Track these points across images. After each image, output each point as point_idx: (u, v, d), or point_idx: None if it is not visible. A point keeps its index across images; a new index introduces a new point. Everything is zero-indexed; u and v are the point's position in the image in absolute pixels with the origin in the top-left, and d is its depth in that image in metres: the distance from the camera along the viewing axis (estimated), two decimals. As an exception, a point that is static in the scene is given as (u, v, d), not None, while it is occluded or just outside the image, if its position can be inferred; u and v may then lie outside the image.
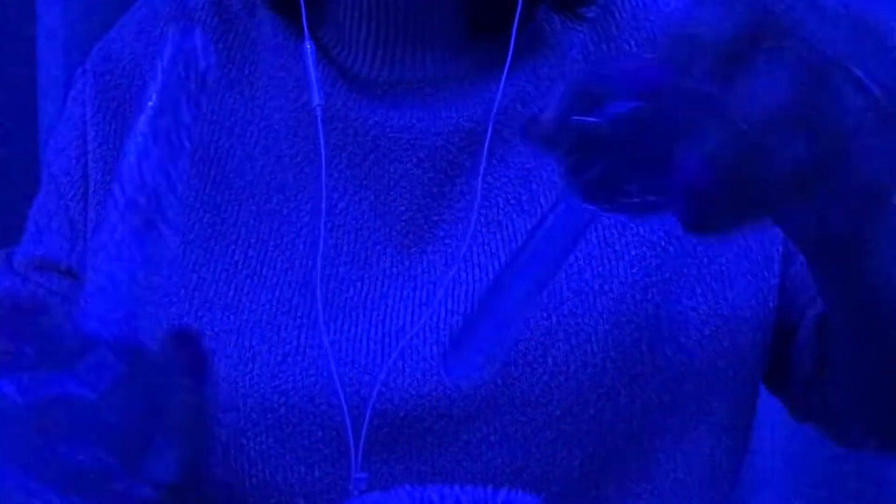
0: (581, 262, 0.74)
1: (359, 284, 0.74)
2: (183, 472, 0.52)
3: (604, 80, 0.49)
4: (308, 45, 0.75)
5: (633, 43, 0.79)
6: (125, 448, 0.50)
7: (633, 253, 0.74)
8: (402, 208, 0.76)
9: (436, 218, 0.76)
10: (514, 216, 0.76)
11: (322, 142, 0.74)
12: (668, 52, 0.47)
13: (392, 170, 0.76)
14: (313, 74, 0.74)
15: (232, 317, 0.73)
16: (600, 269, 0.73)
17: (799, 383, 0.80)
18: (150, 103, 0.53)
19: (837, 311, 0.68)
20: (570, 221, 0.53)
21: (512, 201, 0.76)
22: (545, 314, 0.72)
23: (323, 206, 0.74)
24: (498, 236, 0.75)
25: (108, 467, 0.49)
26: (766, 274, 0.77)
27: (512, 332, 0.55)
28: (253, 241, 0.76)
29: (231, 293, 0.74)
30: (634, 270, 0.74)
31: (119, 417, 0.50)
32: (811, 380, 0.79)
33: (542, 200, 0.76)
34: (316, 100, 0.75)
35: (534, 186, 0.76)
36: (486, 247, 0.75)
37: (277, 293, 0.74)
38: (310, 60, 0.75)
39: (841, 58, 0.47)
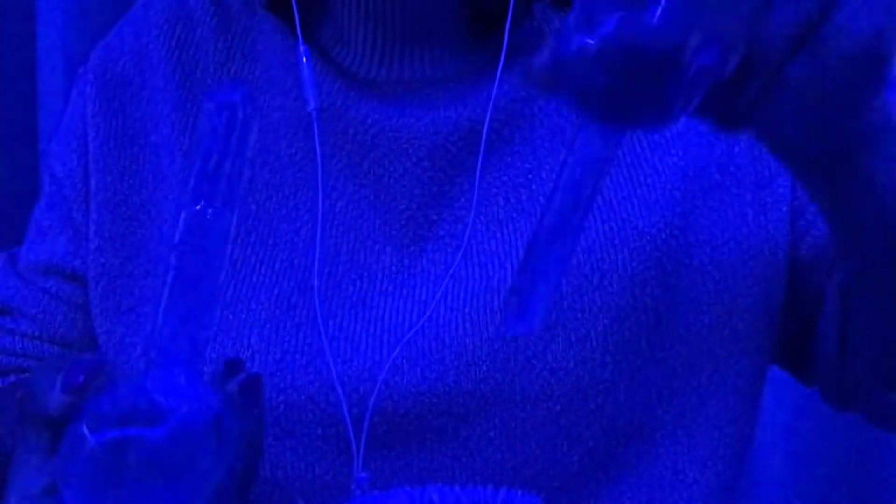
0: (580, 255, 0.73)
1: (358, 282, 0.74)
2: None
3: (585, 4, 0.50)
4: (302, 49, 0.75)
5: None
6: (194, 486, 0.50)
7: (632, 246, 0.74)
8: (402, 206, 0.76)
9: (435, 217, 0.76)
10: (514, 215, 0.76)
11: (317, 143, 0.74)
12: None
13: (391, 168, 0.76)
14: (308, 79, 0.75)
15: (230, 315, 0.73)
16: (599, 263, 0.73)
17: (829, 358, 0.76)
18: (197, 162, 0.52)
19: (844, 237, 0.64)
20: (592, 151, 0.53)
21: (512, 200, 0.76)
22: None
23: (320, 204, 0.74)
24: (498, 235, 0.75)
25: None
26: (771, 259, 0.76)
27: (556, 276, 0.54)
28: (252, 239, 0.76)
29: (230, 292, 0.75)
30: (634, 264, 0.73)
31: (190, 457, 0.50)
32: (838, 350, 0.75)
33: (541, 199, 0.76)
34: (311, 104, 0.75)
35: (534, 186, 0.76)
36: (485, 245, 0.75)
37: (276, 291, 0.74)
38: (304, 65, 0.75)
39: None
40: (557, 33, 0.50)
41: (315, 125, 0.74)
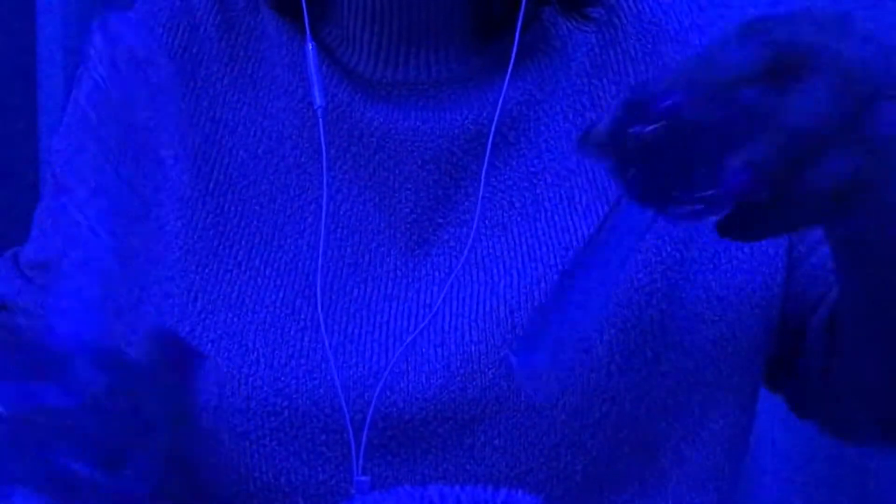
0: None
1: (362, 286, 0.74)
2: (160, 477, 0.53)
3: (652, 95, 0.53)
4: (310, 47, 0.75)
5: (638, 48, 0.79)
6: (106, 455, 0.51)
7: (640, 258, 0.74)
8: (406, 210, 0.75)
9: (440, 220, 0.75)
10: (518, 219, 0.75)
11: (324, 144, 0.74)
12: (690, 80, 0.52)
13: (396, 171, 0.76)
14: (315, 76, 0.74)
15: (234, 318, 0.73)
16: None
17: (806, 380, 0.80)
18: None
19: (855, 293, 0.70)
20: (630, 222, 0.56)
21: (516, 204, 0.76)
22: None
23: (324, 207, 0.74)
24: (502, 239, 0.75)
25: (91, 474, 0.50)
26: (770, 282, 0.77)
27: (580, 329, 0.57)
28: (255, 241, 0.76)
29: (233, 294, 0.74)
30: (641, 276, 0.73)
31: (100, 426, 0.51)
32: (818, 376, 0.79)
33: (546, 204, 0.76)
34: (318, 101, 0.74)
35: (538, 190, 0.76)
36: (490, 250, 0.74)
37: (280, 294, 0.74)
38: (311, 62, 0.75)
39: (878, 80, 0.52)
40: (619, 108, 0.53)
41: (321, 123, 0.73)
